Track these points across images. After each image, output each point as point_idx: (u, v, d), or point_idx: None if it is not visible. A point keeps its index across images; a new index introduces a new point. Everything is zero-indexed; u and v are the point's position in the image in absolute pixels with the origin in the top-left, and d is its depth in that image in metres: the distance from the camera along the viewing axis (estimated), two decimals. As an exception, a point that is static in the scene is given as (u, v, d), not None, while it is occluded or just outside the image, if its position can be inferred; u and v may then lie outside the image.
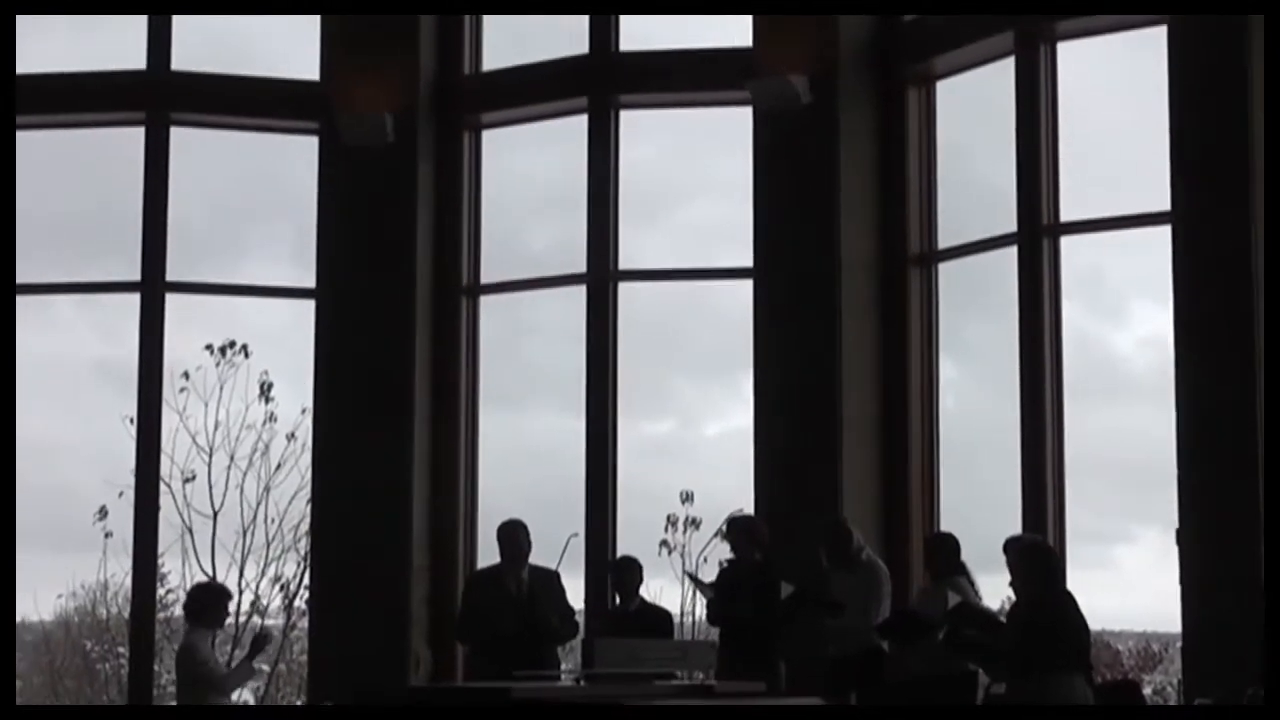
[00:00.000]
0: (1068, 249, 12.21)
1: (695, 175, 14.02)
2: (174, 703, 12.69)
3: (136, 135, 13.92)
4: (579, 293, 13.69)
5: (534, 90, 13.97)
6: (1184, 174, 11.29)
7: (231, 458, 14.10)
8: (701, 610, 12.09)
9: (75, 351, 14.24)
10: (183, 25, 13.95)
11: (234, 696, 11.06)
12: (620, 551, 12.98)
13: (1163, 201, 11.42)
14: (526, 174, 14.32)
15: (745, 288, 13.12)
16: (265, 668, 12.92)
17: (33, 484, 13.51)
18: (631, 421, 13.67)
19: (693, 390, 14.34)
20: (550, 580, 11.56)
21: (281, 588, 14.39)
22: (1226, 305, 10.97)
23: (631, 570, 11.84)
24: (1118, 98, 12.18)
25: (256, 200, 14.53)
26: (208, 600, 10.84)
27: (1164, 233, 11.41)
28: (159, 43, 13.95)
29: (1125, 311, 12.74)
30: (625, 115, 13.78)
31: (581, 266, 13.68)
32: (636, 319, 13.71)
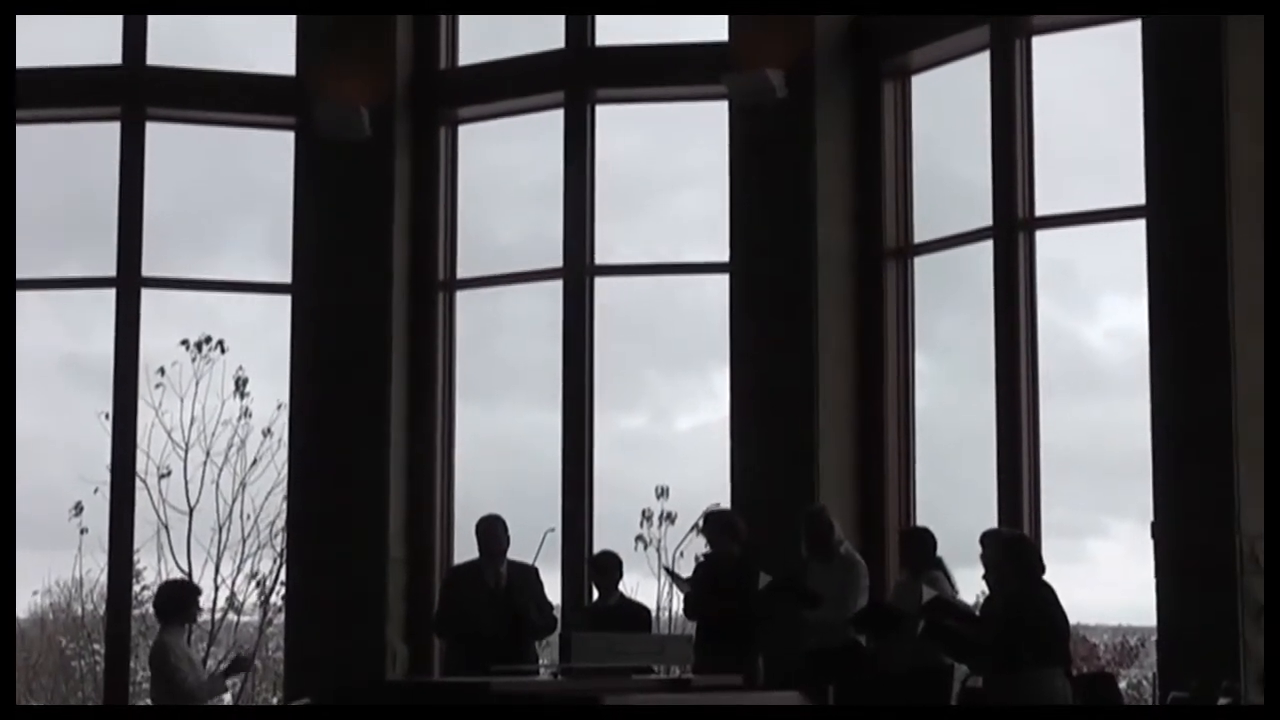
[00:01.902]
0: (1042, 243, 12.27)
1: (672, 169, 14.07)
2: (148, 700, 12.72)
3: (112, 130, 13.91)
4: (555, 287, 13.71)
5: (510, 85, 13.98)
6: (1158, 168, 11.34)
7: (207, 453, 14.16)
8: (678, 604, 12.14)
9: (50, 347, 14.25)
10: (158, 19, 13.96)
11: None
12: (596, 546, 13.01)
13: (1137, 196, 11.48)
14: (503, 168, 14.34)
15: (721, 282, 13.17)
16: (236, 682, 12.92)
17: (7, 480, 13.55)
18: (607, 416, 13.71)
19: (668, 385, 14.41)
20: (529, 575, 11.62)
21: (258, 584, 14.44)
22: (1200, 299, 11.03)
23: (611, 566, 11.88)
24: (1092, 93, 12.24)
25: (232, 195, 14.54)
26: (176, 598, 10.81)
27: (1138, 227, 11.47)
28: (134, 37, 13.95)
29: (1100, 306, 12.82)
30: (601, 110, 13.79)
31: (558, 261, 13.70)
32: (612, 313, 13.74)
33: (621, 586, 11.89)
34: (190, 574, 13.85)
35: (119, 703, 13.42)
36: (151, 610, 13.78)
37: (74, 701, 14.75)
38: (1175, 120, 11.27)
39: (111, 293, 13.81)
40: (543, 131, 13.86)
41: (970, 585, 10.98)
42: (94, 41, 13.94)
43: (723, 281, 13.15)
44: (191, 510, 14.12)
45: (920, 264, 13.01)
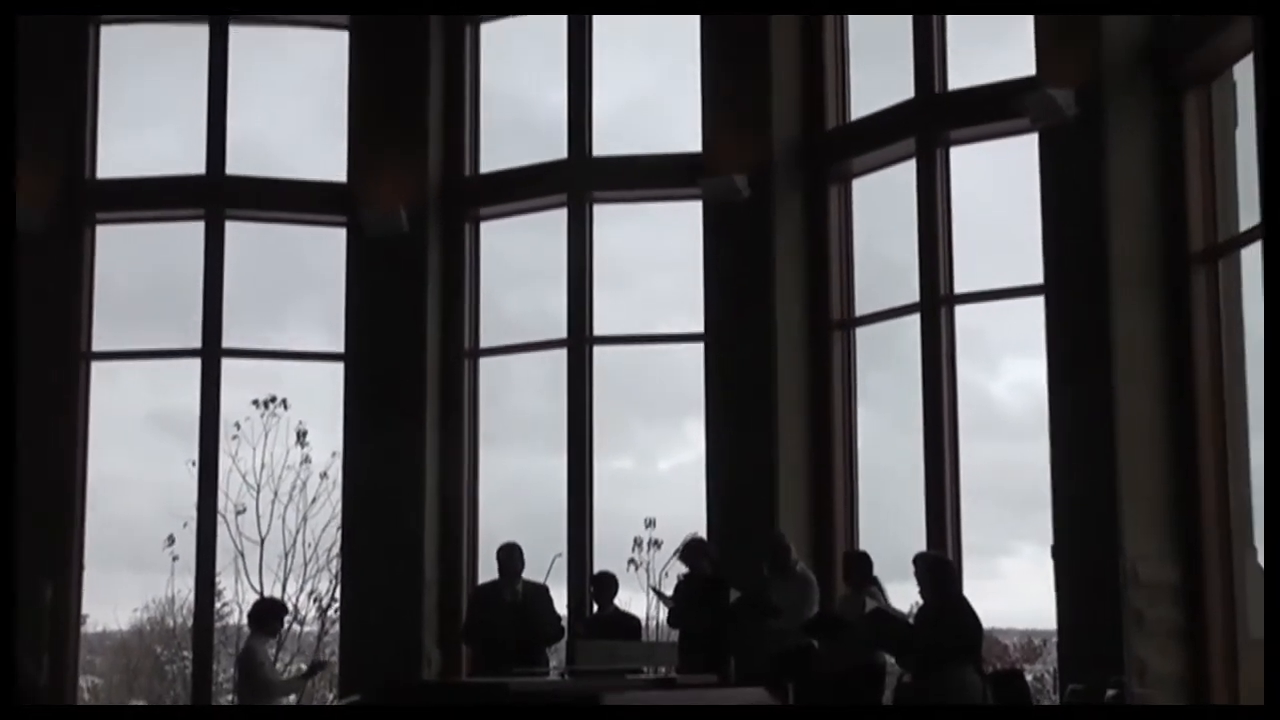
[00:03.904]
0: (960, 315, 12.34)
1: (655, 256, 14.07)
2: (230, 697, 12.76)
3: (197, 228, 13.95)
4: (560, 354, 13.75)
5: (523, 188, 14.03)
6: (1053, 254, 11.46)
7: (275, 493, 14.12)
8: (664, 616, 12.17)
9: (145, 407, 14.29)
10: (235, 136, 14.03)
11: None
12: (596, 567, 13.03)
13: (1036, 277, 11.59)
14: (517, 257, 14.38)
15: (696, 349, 13.26)
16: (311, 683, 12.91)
17: (113, 516, 13.61)
18: (603, 459, 13.67)
19: (651, 433, 14.44)
20: (540, 592, 11.64)
21: (316, 601, 14.43)
22: (1087, 360, 11.11)
23: (608, 583, 11.87)
24: (1000, 192, 12.32)
25: (295, 280, 14.58)
26: (269, 612, 10.85)
27: (1038, 302, 11.58)
28: (216, 151, 14.01)
29: (1007, 365, 12.87)
30: (598, 208, 13.85)
31: (562, 332, 13.74)
32: (607, 374, 13.72)
33: (617, 601, 11.88)
34: (262, 593, 13.87)
35: (204, 699, 13.44)
36: (231, 623, 14.00)
37: (167, 699, 14.77)
38: (1067, 215, 11.40)
39: (197, 361, 13.83)
40: (549, 226, 13.89)
41: (904, 597, 11.05)
42: (182, 155, 14.03)
43: (697, 348, 13.24)
44: (263, 540, 14.08)
45: (861, 333, 13.06)
